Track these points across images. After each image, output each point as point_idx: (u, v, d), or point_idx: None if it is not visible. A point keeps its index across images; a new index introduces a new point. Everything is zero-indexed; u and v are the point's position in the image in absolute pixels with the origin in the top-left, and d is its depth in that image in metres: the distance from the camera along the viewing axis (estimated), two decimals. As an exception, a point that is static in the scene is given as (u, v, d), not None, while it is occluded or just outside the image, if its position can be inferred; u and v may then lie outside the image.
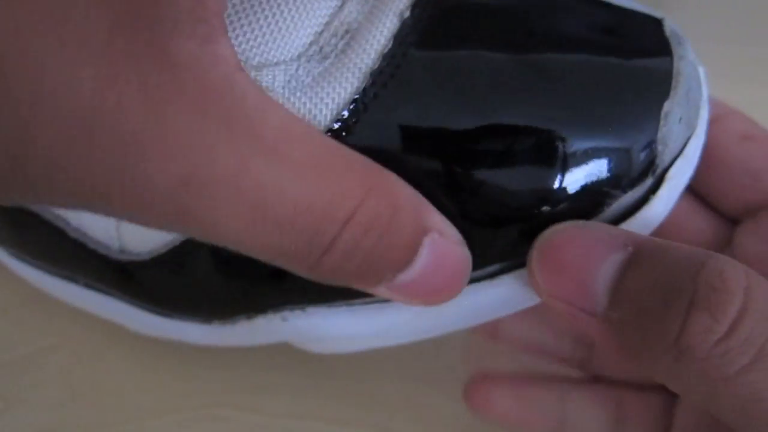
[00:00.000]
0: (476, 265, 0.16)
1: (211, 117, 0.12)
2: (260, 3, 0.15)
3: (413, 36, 0.15)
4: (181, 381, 0.23)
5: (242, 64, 0.13)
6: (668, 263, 0.14)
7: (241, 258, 0.17)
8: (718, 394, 0.13)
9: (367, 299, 0.18)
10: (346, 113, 0.15)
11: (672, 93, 0.15)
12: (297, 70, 0.15)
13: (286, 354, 0.22)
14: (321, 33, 0.15)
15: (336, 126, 0.15)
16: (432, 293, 0.15)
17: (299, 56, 0.15)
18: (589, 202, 0.15)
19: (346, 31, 0.15)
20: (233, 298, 0.19)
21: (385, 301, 0.18)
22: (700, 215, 0.20)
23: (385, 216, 0.13)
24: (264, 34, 0.15)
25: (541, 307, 0.21)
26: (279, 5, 0.15)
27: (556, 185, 0.15)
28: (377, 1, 0.16)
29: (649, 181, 0.16)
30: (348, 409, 0.23)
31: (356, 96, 0.15)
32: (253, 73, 0.14)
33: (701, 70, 0.17)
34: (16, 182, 0.12)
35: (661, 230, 0.18)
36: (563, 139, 0.15)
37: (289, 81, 0.15)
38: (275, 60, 0.15)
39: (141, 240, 0.18)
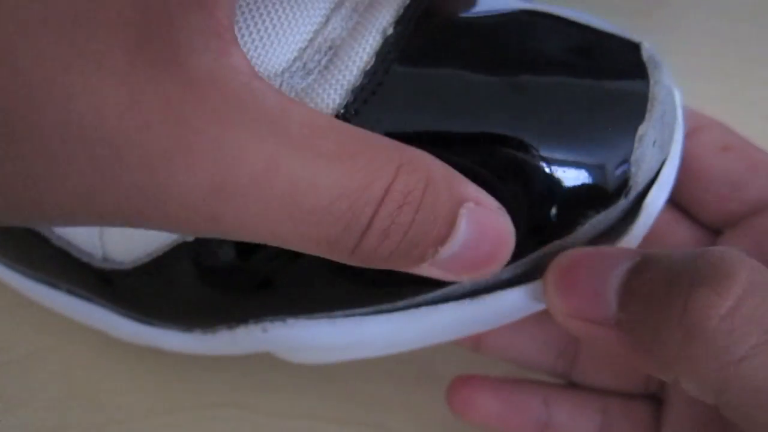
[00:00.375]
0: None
1: (235, 123, 0.12)
2: (245, 19, 0.15)
3: (395, 53, 0.15)
4: (181, 381, 0.23)
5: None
6: (671, 260, 0.14)
7: (223, 269, 0.17)
8: (728, 381, 0.13)
9: (348, 311, 0.18)
10: None
11: (647, 116, 0.16)
12: (281, 85, 0.15)
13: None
14: (305, 49, 0.15)
15: None
16: (478, 264, 0.15)
17: (283, 72, 0.15)
18: (563, 221, 0.16)
19: (330, 47, 0.15)
20: (214, 309, 0.19)
21: (365, 313, 0.18)
22: (682, 226, 0.21)
23: (418, 190, 0.13)
24: (249, 51, 0.15)
25: (524, 320, 0.21)
26: (264, 21, 0.15)
27: (530, 203, 0.15)
28: (361, 17, 0.16)
29: (622, 202, 0.16)
30: (348, 409, 0.23)
31: (339, 112, 0.15)
32: None
33: (677, 93, 0.17)
34: (45, 210, 0.12)
35: (643, 244, 0.19)
36: (539, 158, 0.15)
37: None
38: (259, 75, 0.15)
39: (124, 249, 0.18)
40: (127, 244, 0.18)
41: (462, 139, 0.15)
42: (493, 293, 0.17)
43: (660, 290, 0.14)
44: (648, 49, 0.17)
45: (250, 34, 0.15)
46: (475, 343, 0.22)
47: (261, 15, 0.15)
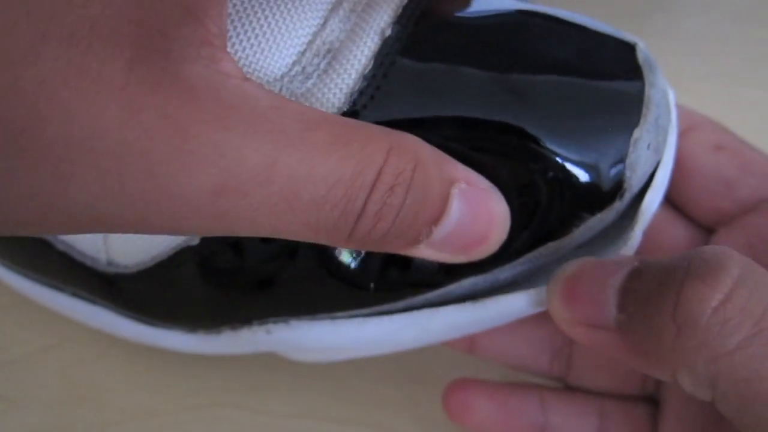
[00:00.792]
0: (450, 280, 0.17)
1: (232, 125, 0.12)
2: (243, 24, 0.15)
3: (394, 55, 0.15)
4: (181, 381, 0.23)
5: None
6: (666, 261, 0.15)
7: (226, 272, 0.17)
8: (720, 373, 0.13)
9: (351, 312, 0.18)
10: None
11: (642, 120, 0.16)
12: (280, 90, 0.15)
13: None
14: (303, 53, 0.15)
15: None
16: (473, 244, 0.15)
17: (282, 77, 0.15)
18: (559, 223, 0.16)
19: (328, 51, 0.15)
20: (218, 311, 0.19)
21: (367, 314, 0.18)
22: (677, 225, 0.21)
23: (408, 171, 0.14)
24: (247, 56, 0.15)
25: (519, 322, 0.21)
26: (262, 26, 0.15)
27: (525, 205, 0.15)
28: (359, 18, 0.16)
29: (617, 205, 0.16)
30: (348, 409, 0.23)
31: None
32: None
33: (671, 95, 0.17)
34: (49, 222, 0.13)
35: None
36: (534, 160, 0.15)
37: None
38: (258, 81, 0.15)
39: (128, 253, 0.18)
40: (131, 249, 0.18)
41: (459, 140, 0.15)
42: (494, 297, 0.17)
43: (654, 287, 0.14)
44: (643, 51, 0.17)
45: (248, 39, 0.15)
46: (469, 346, 0.22)
47: (258, 19, 0.15)
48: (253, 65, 0.15)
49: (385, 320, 0.18)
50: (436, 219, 0.14)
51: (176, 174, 0.12)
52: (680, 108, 0.20)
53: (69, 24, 0.11)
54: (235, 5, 0.15)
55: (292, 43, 0.15)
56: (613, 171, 0.16)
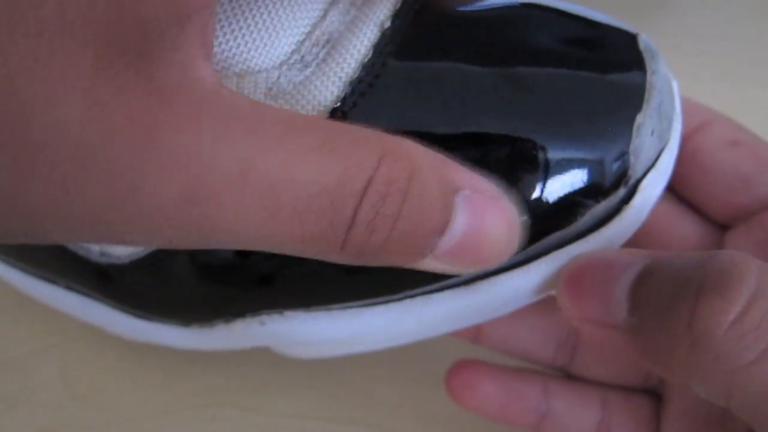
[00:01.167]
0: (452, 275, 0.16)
1: (206, 126, 0.12)
2: (243, 12, 0.15)
3: (393, 46, 0.15)
4: (181, 381, 0.23)
5: (225, 71, 0.13)
6: (678, 264, 0.14)
7: (220, 262, 0.17)
8: (735, 387, 0.13)
9: (345, 304, 0.18)
10: None
11: (644, 106, 0.16)
12: (278, 78, 0.15)
13: (285, 355, 0.22)
14: (303, 42, 0.15)
15: None
16: (485, 254, 0.14)
17: (281, 64, 0.15)
18: (564, 212, 0.16)
19: (327, 41, 0.16)
20: (212, 302, 0.19)
21: (362, 305, 0.18)
22: (688, 222, 0.21)
23: (402, 179, 0.13)
24: (246, 43, 0.15)
25: (524, 311, 0.21)
26: (262, 14, 0.15)
27: (530, 195, 0.15)
28: (358, 11, 0.16)
29: (621, 192, 0.16)
30: (348, 409, 0.23)
31: (336, 104, 0.15)
32: (235, 81, 0.15)
33: (675, 84, 0.17)
34: (12, 228, 0.12)
35: (649, 239, 0.18)
36: (538, 150, 0.15)
37: (270, 89, 0.15)
38: (257, 68, 0.15)
39: None
40: None
41: (460, 132, 0.15)
42: (487, 279, 0.17)
43: (667, 297, 0.14)
44: (645, 40, 0.17)
45: (248, 27, 0.15)
46: (474, 334, 0.22)
47: (259, 9, 0.15)
48: (252, 52, 0.15)
49: (380, 310, 0.18)
50: (440, 229, 0.13)
51: (142, 178, 0.11)
52: (694, 103, 0.20)
53: (40, 21, 0.11)
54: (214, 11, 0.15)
55: (291, 32, 0.15)
56: (617, 157, 0.16)
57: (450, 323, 0.18)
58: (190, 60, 0.12)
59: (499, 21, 0.16)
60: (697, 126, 0.20)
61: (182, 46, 0.12)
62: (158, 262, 0.18)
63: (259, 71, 0.15)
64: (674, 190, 0.20)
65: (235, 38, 0.15)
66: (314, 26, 0.16)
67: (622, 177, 0.16)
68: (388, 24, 0.16)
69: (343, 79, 0.15)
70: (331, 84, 0.15)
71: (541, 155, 0.15)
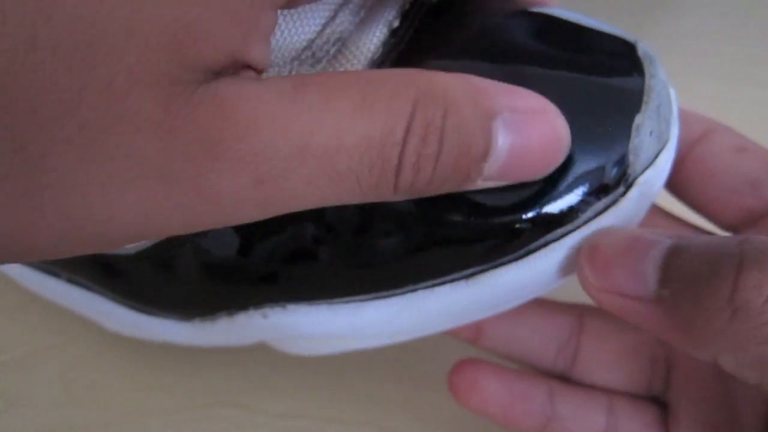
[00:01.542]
0: (456, 267, 0.17)
1: (261, 125, 0.13)
2: None
3: (401, 45, 0.16)
4: (181, 381, 0.23)
5: None
6: (712, 242, 0.15)
7: (223, 255, 0.17)
8: None
9: (347, 298, 0.18)
10: None
11: (643, 107, 0.16)
12: (290, 72, 0.16)
13: (286, 354, 0.22)
14: (314, 40, 0.16)
15: None
16: (533, 168, 0.15)
17: (292, 60, 0.16)
18: (566, 210, 0.16)
19: (338, 39, 0.16)
20: (215, 294, 0.19)
21: (365, 298, 0.18)
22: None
23: (437, 119, 0.14)
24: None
25: (525, 312, 0.21)
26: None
27: (533, 194, 0.16)
28: (368, 11, 0.16)
29: (621, 190, 0.16)
30: (348, 409, 0.23)
31: None
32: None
33: (672, 91, 0.18)
34: (109, 241, 0.14)
35: None
36: None
37: None
38: (270, 63, 0.15)
39: None
40: None
41: None
42: (487, 273, 0.17)
43: (705, 269, 0.15)
44: (643, 47, 0.17)
45: None
46: (474, 335, 0.22)
47: None
48: None
49: (382, 303, 0.18)
50: (483, 155, 0.14)
51: (220, 180, 0.13)
52: (696, 114, 0.20)
53: (107, 74, 0.12)
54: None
55: (303, 30, 0.16)
56: (617, 156, 0.16)
57: (452, 318, 0.18)
58: (246, 69, 0.13)
59: (503, 25, 0.17)
60: (700, 135, 0.20)
61: (244, 65, 0.13)
62: (163, 253, 0.18)
63: (271, 66, 0.15)
64: (681, 198, 0.21)
65: None
66: (325, 25, 0.16)
67: (622, 175, 0.16)
68: (396, 23, 0.16)
69: None
70: None
71: None
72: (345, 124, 0.13)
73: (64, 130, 0.12)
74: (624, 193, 0.17)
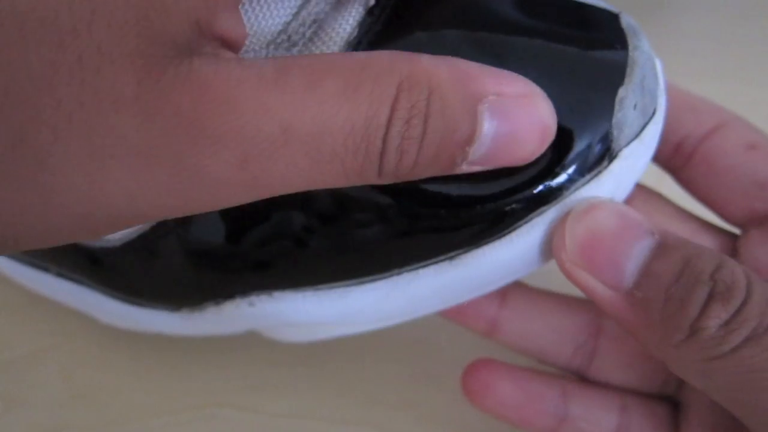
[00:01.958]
0: (442, 250, 0.17)
1: (243, 104, 0.13)
2: None
3: (378, 25, 0.16)
4: (181, 381, 0.23)
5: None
6: (691, 258, 0.16)
7: (209, 243, 0.18)
8: (715, 369, 0.15)
9: (333, 283, 0.18)
10: None
11: (626, 80, 0.16)
12: (266, 57, 0.15)
13: (285, 353, 0.22)
14: (289, 23, 0.16)
15: None
16: (519, 154, 0.15)
17: (268, 44, 0.16)
18: (550, 189, 0.16)
19: (314, 21, 0.16)
20: (201, 284, 0.19)
21: (351, 284, 0.18)
22: (704, 237, 0.21)
23: (422, 101, 0.14)
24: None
25: (543, 307, 0.21)
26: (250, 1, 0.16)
27: (517, 172, 0.16)
28: None
29: (605, 164, 0.16)
30: (348, 409, 0.23)
31: None
32: None
33: (658, 63, 0.18)
34: (89, 227, 0.13)
35: None
36: None
37: None
38: (245, 48, 0.15)
39: None
40: None
41: None
42: (470, 252, 0.17)
43: (680, 289, 0.15)
44: (627, 18, 0.17)
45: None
46: (489, 329, 0.21)
47: None
48: None
49: (368, 287, 0.18)
50: (468, 140, 0.14)
51: (202, 159, 0.13)
52: (710, 104, 0.20)
53: (75, 50, 0.12)
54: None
55: (278, 14, 0.16)
56: (600, 131, 0.16)
57: (439, 299, 0.18)
58: (216, 49, 0.13)
59: (484, 0, 0.16)
60: (713, 128, 0.20)
61: (214, 36, 0.13)
62: (149, 244, 0.18)
63: (246, 51, 0.15)
64: (689, 192, 0.21)
65: None
66: (300, 7, 0.16)
67: (606, 151, 0.16)
68: (372, 2, 0.16)
69: None
70: None
71: None
72: (329, 107, 0.13)
73: (41, 109, 0.12)
74: (608, 166, 0.16)
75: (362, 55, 0.14)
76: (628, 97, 0.16)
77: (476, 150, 0.14)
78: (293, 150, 0.13)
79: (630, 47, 0.16)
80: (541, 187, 0.16)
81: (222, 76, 0.13)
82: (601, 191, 0.16)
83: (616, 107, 0.16)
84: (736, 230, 0.21)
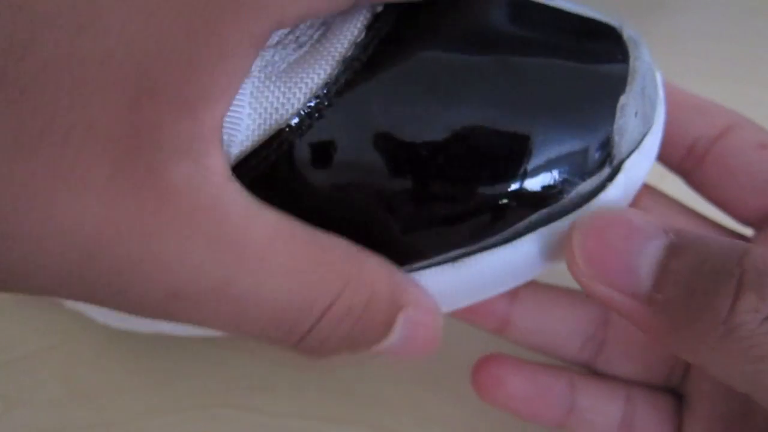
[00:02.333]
0: (443, 248, 0.17)
1: (200, 236, 0.13)
2: None
3: (386, 28, 0.16)
4: (181, 381, 0.23)
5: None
6: (712, 249, 0.15)
7: None
8: (761, 371, 0.14)
9: None
10: (319, 97, 0.15)
11: (628, 88, 0.16)
12: (273, 56, 0.15)
13: (287, 353, 0.22)
14: (297, 24, 0.16)
15: (309, 108, 0.15)
16: (411, 353, 0.16)
17: (276, 44, 0.16)
18: (551, 190, 0.16)
19: (322, 23, 0.16)
20: None
21: None
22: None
23: (360, 305, 0.15)
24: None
25: (552, 304, 0.21)
26: None
27: (517, 173, 0.16)
28: None
29: (606, 170, 0.16)
30: (348, 409, 0.23)
31: (329, 81, 0.15)
32: None
33: (658, 74, 0.18)
34: (12, 289, 0.14)
35: None
36: (525, 131, 0.16)
37: (265, 66, 0.15)
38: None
39: None
40: None
41: (450, 112, 0.15)
42: (473, 255, 0.17)
43: (703, 284, 0.14)
44: (628, 30, 0.17)
45: None
46: (500, 326, 0.21)
47: None
48: None
49: None
50: (379, 340, 0.15)
51: (136, 278, 0.13)
52: (720, 106, 0.20)
53: (67, 124, 0.12)
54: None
55: None
56: (601, 136, 0.16)
57: (441, 302, 0.18)
58: (205, 147, 0.13)
59: (488, 9, 0.17)
60: (723, 129, 0.20)
61: (198, 134, 0.13)
62: None
63: None
64: (702, 194, 0.21)
65: None
66: None
67: (606, 156, 0.16)
68: (380, 8, 0.16)
69: (336, 58, 0.15)
70: (324, 62, 0.15)
71: (527, 134, 0.15)
72: (272, 280, 0.14)
73: (16, 172, 0.12)
74: (610, 178, 0.17)
75: (323, 237, 0.15)
76: (629, 104, 0.16)
77: (379, 347, 0.16)
78: (223, 306, 0.14)
79: (631, 57, 0.17)
80: (538, 185, 0.16)
81: (197, 191, 0.13)
82: (607, 202, 0.17)
83: (618, 114, 0.16)
84: (746, 232, 0.21)
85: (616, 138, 0.16)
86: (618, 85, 0.16)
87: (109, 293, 0.13)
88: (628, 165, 0.17)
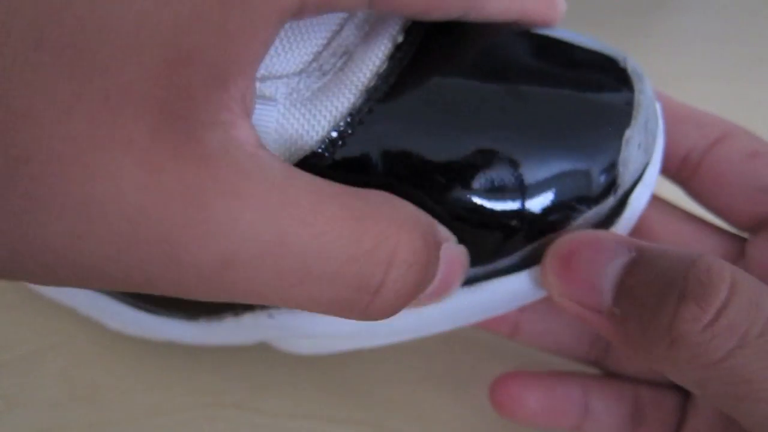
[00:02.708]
0: None
1: (247, 197, 0.12)
2: None
3: (406, 59, 0.16)
4: (181, 381, 0.23)
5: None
6: (663, 263, 0.16)
7: None
8: (708, 378, 0.15)
9: None
10: (342, 125, 0.16)
11: (633, 122, 0.17)
12: (298, 83, 0.16)
13: (286, 354, 0.22)
14: (321, 52, 0.16)
15: (333, 136, 0.16)
16: (441, 294, 0.16)
17: (300, 71, 0.16)
18: (558, 217, 0.17)
19: (345, 52, 0.16)
20: None
21: None
22: (709, 240, 0.21)
23: (420, 247, 0.14)
24: (270, 54, 0.16)
25: (558, 308, 0.21)
26: (283, 28, 0.16)
27: (527, 200, 0.16)
28: (372, 26, 0.17)
29: (611, 200, 0.17)
30: (348, 409, 0.23)
31: (352, 110, 0.16)
32: (257, 84, 0.15)
33: (658, 106, 0.19)
34: (58, 276, 0.13)
35: None
36: (534, 158, 0.16)
37: (290, 93, 0.16)
38: (278, 73, 0.16)
39: None
40: None
41: (465, 140, 0.16)
42: (488, 281, 0.18)
43: (652, 296, 0.15)
44: (632, 64, 0.18)
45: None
46: (512, 330, 0.22)
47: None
48: (273, 59, 0.16)
49: None
50: (431, 281, 0.15)
51: (188, 243, 0.12)
52: (713, 116, 0.21)
53: (105, 87, 0.12)
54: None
55: (311, 43, 0.16)
56: (607, 167, 0.17)
57: (452, 320, 0.19)
58: (233, 118, 0.13)
59: (503, 42, 0.17)
60: (716, 138, 0.20)
61: (226, 104, 0.13)
62: None
63: (279, 76, 0.16)
64: (698, 201, 0.21)
65: None
66: (331, 38, 0.16)
67: (611, 185, 0.17)
68: (400, 38, 0.17)
69: (359, 87, 0.16)
70: (348, 91, 0.16)
71: (539, 163, 0.16)
72: (330, 228, 0.13)
73: (52, 137, 0.11)
74: (617, 208, 0.18)
75: (365, 192, 0.14)
76: (633, 137, 0.17)
77: (426, 292, 0.15)
78: (282, 265, 0.13)
79: (636, 91, 0.17)
80: (546, 211, 0.16)
81: (233, 154, 0.12)
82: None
83: (623, 146, 0.17)
84: (745, 234, 0.21)
85: (621, 169, 0.17)
86: (624, 118, 0.17)
87: (158, 268, 0.12)
88: (632, 198, 0.18)
